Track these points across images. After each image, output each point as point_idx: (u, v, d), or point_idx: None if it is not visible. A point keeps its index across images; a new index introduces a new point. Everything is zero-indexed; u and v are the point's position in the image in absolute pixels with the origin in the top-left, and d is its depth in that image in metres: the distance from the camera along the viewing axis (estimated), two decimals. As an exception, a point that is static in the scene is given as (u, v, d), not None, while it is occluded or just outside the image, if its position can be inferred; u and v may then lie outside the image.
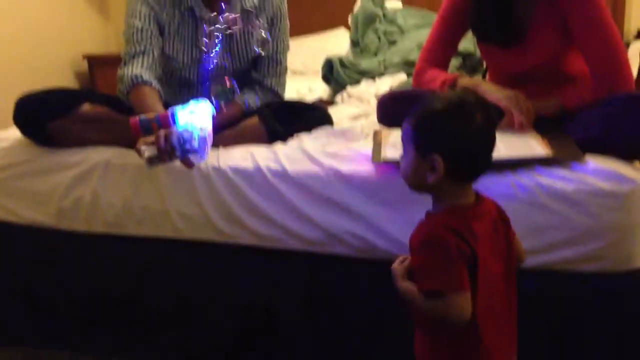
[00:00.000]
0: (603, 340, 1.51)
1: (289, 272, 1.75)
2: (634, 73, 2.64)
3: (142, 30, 1.88)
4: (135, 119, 1.61)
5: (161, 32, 1.92)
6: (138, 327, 1.89)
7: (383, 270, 1.64)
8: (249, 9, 1.96)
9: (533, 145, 1.59)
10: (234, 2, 1.92)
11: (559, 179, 1.50)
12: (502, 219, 1.21)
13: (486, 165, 1.17)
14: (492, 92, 1.75)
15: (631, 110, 1.56)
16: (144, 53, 1.87)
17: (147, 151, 1.53)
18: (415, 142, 1.16)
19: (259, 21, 1.96)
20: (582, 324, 1.52)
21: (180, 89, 2.02)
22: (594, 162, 1.51)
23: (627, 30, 3.02)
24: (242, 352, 1.82)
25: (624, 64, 1.73)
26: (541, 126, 1.69)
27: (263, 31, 1.95)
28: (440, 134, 1.12)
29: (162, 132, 1.52)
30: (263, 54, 1.97)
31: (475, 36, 1.93)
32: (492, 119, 1.15)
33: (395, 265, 1.21)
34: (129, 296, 1.87)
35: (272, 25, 2.02)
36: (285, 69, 2.10)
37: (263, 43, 1.95)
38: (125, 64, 1.88)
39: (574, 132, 1.63)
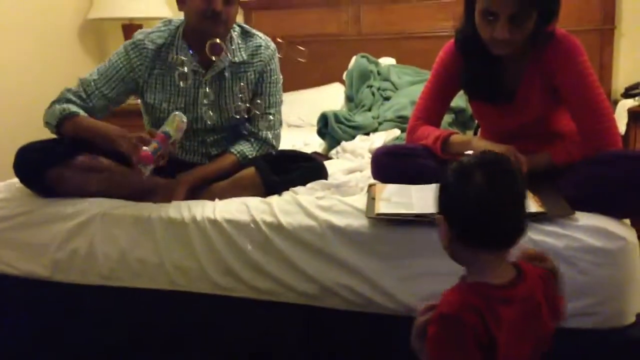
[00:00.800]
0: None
1: (285, 322, 1.75)
2: (622, 130, 2.73)
3: (96, 82, 1.98)
4: (147, 153, 1.75)
5: (137, 86, 2.02)
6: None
7: (379, 324, 1.66)
8: (238, 62, 2.02)
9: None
10: (223, 56, 1.97)
11: (550, 235, 1.53)
12: (546, 295, 1.14)
13: (505, 231, 1.09)
14: (485, 146, 1.79)
15: (619, 169, 1.60)
16: (83, 100, 1.97)
17: (146, 170, 1.77)
18: (440, 208, 1.15)
19: (245, 82, 2.03)
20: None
21: None
22: (584, 219, 1.54)
23: (614, 89, 3.10)
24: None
25: (611, 125, 1.77)
26: (532, 182, 1.73)
27: (244, 98, 2.01)
28: (442, 195, 1.13)
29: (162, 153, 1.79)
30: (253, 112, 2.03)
31: (467, 95, 1.99)
32: (498, 179, 1.08)
33: (419, 320, 1.17)
34: (125, 347, 1.87)
35: (262, 80, 2.07)
36: (280, 122, 2.15)
37: (252, 106, 2.00)
38: (61, 100, 1.96)
39: (564, 189, 1.67)
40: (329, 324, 1.72)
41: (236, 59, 2.02)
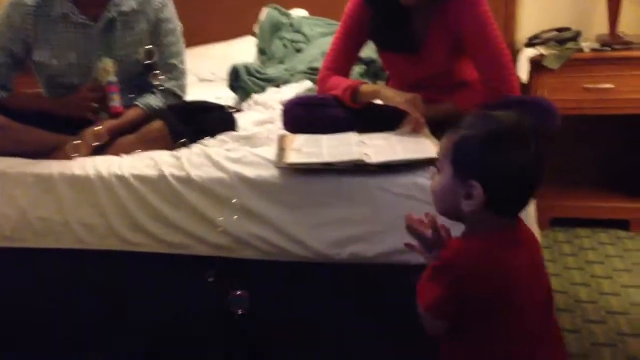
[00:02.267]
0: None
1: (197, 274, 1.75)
2: (524, 78, 2.84)
3: None
4: (116, 106, 1.90)
5: (26, 45, 1.95)
6: (39, 342, 1.84)
7: (293, 272, 1.70)
8: (127, 11, 1.96)
9: (428, 148, 1.67)
10: (110, 7, 1.93)
11: (452, 178, 1.59)
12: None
13: (531, 197, 1.08)
14: (393, 96, 1.84)
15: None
16: None
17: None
18: (454, 162, 1.07)
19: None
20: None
21: (67, 94, 1.98)
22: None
23: (518, 39, 3.21)
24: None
25: (511, 73, 1.88)
26: (436, 130, 1.79)
27: (138, 49, 1.97)
28: (486, 160, 1.03)
29: None
30: (153, 61, 1.98)
31: (375, 45, 2.02)
32: (538, 148, 1.04)
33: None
34: (34, 308, 1.82)
35: (157, 30, 2.02)
36: (184, 72, 2.11)
37: (149, 53, 1.96)
38: None
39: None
40: (243, 274, 1.73)
41: (125, 8, 1.96)
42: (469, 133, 1.06)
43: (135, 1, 1.98)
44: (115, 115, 1.91)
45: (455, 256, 1.06)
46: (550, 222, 2.94)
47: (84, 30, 1.93)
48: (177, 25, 2.09)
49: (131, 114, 1.96)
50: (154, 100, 2.00)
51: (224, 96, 2.53)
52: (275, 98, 2.30)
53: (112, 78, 1.91)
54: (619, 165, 3.00)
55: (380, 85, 2.02)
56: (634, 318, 2.11)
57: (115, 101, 1.92)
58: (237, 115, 2.10)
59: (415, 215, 1.22)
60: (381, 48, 2.01)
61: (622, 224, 2.86)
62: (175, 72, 2.04)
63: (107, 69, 1.91)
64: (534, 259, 1.10)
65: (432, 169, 1.15)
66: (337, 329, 1.72)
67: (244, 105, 2.40)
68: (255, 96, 2.39)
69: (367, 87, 1.93)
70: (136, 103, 1.98)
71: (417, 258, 1.60)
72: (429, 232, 1.19)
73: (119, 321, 1.80)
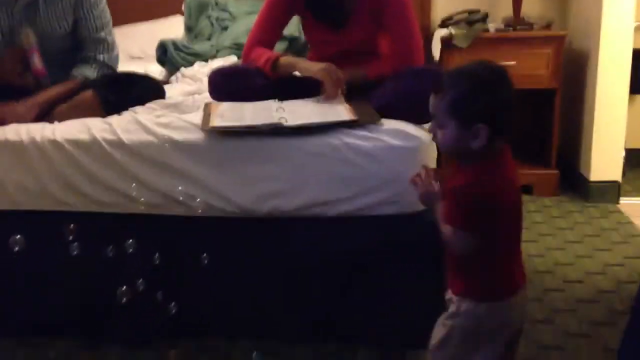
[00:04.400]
0: (398, 269, 1.81)
1: (131, 232, 1.87)
2: (437, 55, 3.07)
3: None
4: (37, 67, 1.99)
5: None
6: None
7: (219, 226, 1.84)
8: None
9: (340, 112, 1.85)
10: None
11: (361, 139, 1.77)
12: None
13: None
14: (309, 67, 2.01)
15: (417, 81, 1.88)
16: None
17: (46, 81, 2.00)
18: (457, 115, 1.22)
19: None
20: (382, 258, 1.82)
21: None
22: (388, 124, 1.80)
23: (433, 20, 3.44)
24: (83, 321, 1.92)
25: (419, 48, 2.09)
26: (348, 95, 1.97)
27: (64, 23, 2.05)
28: (483, 105, 1.21)
29: None
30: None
31: (307, 18, 2.15)
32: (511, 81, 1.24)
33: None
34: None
35: (81, 5, 2.09)
36: (113, 42, 2.19)
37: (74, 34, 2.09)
38: None
39: (373, 100, 1.92)
40: (174, 230, 1.87)
41: None
42: (458, 89, 1.23)
43: None
44: (38, 76, 2.01)
45: (474, 179, 1.24)
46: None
47: (7, 8, 1.98)
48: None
49: (69, 84, 2.04)
50: (89, 71, 2.09)
51: (153, 71, 2.63)
52: (202, 71, 2.42)
53: (33, 42, 2.01)
54: (521, 135, 3.28)
55: (296, 58, 2.17)
56: (527, 266, 2.36)
57: (37, 64, 2.01)
58: (165, 87, 2.22)
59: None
60: (315, 19, 2.14)
61: (526, 189, 3.14)
62: (105, 44, 2.11)
63: (28, 34, 2.00)
64: (516, 170, 1.30)
65: (431, 127, 1.31)
66: (255, 279, 1.87)
67: (173, 78, 2.51)
68: (183, 69, 2.50)
69: (286, 59, 2.08)
70: (73, 73, 2.07)
71: (331, 210, 1.80)
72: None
73: (56, 278, 1.91)
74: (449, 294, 1.35)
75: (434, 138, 1.31)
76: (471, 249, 1.26)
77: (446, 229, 1.28)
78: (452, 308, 1.32)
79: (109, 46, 2.13)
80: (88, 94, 1.97)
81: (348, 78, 1.98)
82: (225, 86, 2.04)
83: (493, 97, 1.21)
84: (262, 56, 2.08)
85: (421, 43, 2.12)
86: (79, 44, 2.14)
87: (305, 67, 2.02)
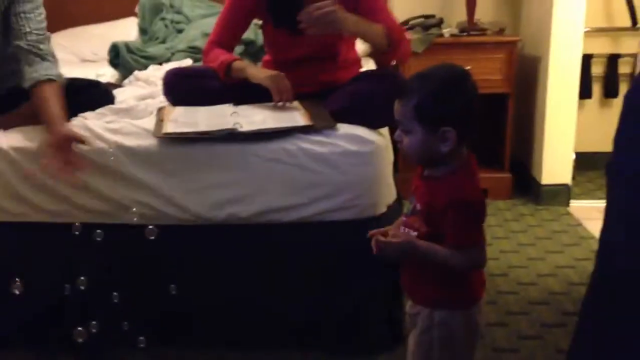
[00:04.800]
0: (355, 275, 1.81)
1: (82, 241, 1.82)
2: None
3: None
4: None
5: None
6: None
7: (172, 233, 1.81)
8: None
9: (295, 117, 1.85)
10: None
11: (317, 144, 1.77)
12: None
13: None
14: (257, 73, 1.97)
15: (373, 84, 1.88)
16: None
17: None
18: (420, 120, 1.20)
19: None
20: (337, 263, 1.82)
21: None
22: (343, 129, 1.79)
23: (389, 24, 3.46)
24: (37, 333, 1.86)
25: (405, 38, 2.05)
26: (304, 101, 1.96)
27: None
28: (448, 108, 1.19)
29: None
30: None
31: (271, 21, 2.10)
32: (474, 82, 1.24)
33: (388, 239, 1.27)
34: None
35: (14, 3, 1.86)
36: (50, 38, 1.95)
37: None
38: None
39: (329, 105, 1.91)
40: (125, 238, 1.83)
41: None
42: (423, 93, 1.20)
43: None
44: None
45: (468, 191, 1.22)
46: (418, 192, 3.22)
47: None
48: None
49: (54, 90, 1.83)
50: (54, 69, 1.87)
51: (106, 73, 2.58)
52: (156, 75, 2.38)
53: None
54: (476, 139, 3.32)
55: (248, 63, 2.13)
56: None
57: None
58: (118, 91, 2.17)
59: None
60: (275, 25, 2.08)
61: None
62: (47, 40, 1.91)
63: None
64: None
65: (397, 133, 1.26)
66: (218, 285, 1.86)
67: (126, 81, 2.46)
68: (137, 73, 2.46)
69: (238, 64, 2.03)
70: (48, 77, 1.83)
71: (288, 216, 1.79)
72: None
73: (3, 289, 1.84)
74: (413, 308, 1.32)
75: (400, 145, 1.28)
76: (483, 264, 1.26)
77: (454, 254, 1.21)
78: (423, 322, 1.29)
79: (49, 42, 1.92)
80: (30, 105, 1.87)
81: (368, 37, 1.94)
82: (179, 87, 2.01)
83: (458, 99, 1.21)
84: (219, 58, 2.04)
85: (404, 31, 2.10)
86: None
87: (253, 73, 1.98)
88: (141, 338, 1.81)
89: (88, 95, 1.96)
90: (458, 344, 1.29)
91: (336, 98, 1.93)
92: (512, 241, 2.67)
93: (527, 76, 3.25)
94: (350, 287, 1.83)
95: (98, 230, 1.75)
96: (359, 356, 1.82)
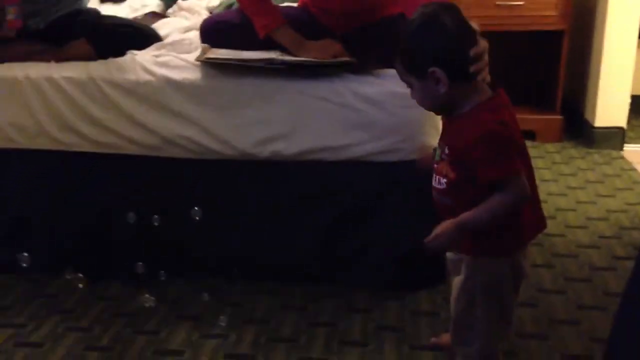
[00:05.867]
0: (399, 215, 1.79)
1: (129, 173, 1.85)
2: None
3: None
4: (13, 21, 1.81)
5: None
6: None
7: (219, 169, 1.82)
8: None
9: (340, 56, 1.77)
10: None
11: (365, 84, 1.73)
12: None
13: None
14: (303, 48, 1.79)
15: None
16: None
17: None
18: (410, 70, 1.20)
19: None
20: (378, 204, 1.80)
21: None
22: (392, 71, 1.73)
23: None
24: (85, 257, 1.92)
25: None
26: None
27: None
28: (429, 47, 1.16)
29: None
30: None
31: None
32: (459, 16, 1.18)
33: (432, 234, 1.22)
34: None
35: None
36: None
37: None
38: None
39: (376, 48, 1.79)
40: (171, 173, 1.85)
41: None
42: (402, 44, 1.20)
43: None
44: (12, 29, 1.85)
45: (491, 124, 1.16)
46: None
47: None
48: None
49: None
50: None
51: (150, 3, 2.55)
52: (200, 4, 2.35)
53: None
54: (525, 79, 3.21)
55: (296, 36, 1.81)
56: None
57: (11, 14, 1.85)
58: (162, 22, 2.14)
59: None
60: None
61: (530, 135, 3.11)
62: None
63: None
64: (515, 116, 1.25)
65: (409, 93, 1.25)
66: (257, 222, 1.86)
67: (170, 11, 2.44)
68: (180, 2, 2.42)
69: (285, 34, 1.80)
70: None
71: (332, 156, 1.77)
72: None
73: (52, 217, 1.90)
74: (456, 255, 1.32)
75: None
76: (528, 192, 1.19)
77: (494, 199, 1.17)
78: (467, 269, 1.28)
79: None
80: (81, 42, 1.87)
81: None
82: (217, 40, 1.85)
83: (434, 38, 1.16)
84: (260, 12, 1.81)
85: None
86: None
87: (298, 49, 1.78)
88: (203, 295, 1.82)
89: (135, 38, 1.93)
90: (502, 288, 1.28)
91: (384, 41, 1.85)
92: (561, 184, 2.60)
93: (583, 12, 3.09)
94: (390, 227, 1.81)
95: (155, 216, 1.80)
96: (400, 293, 1.82)
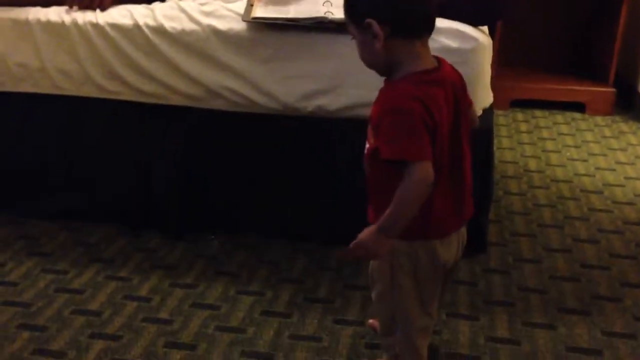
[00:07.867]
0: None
1: (169, 127, 1.85)
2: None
3: None
4: None
5: None
6: (18, 183, 1.96)
7: (262, 123, 1.79)
8: None
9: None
10: None
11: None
12: (461, 85, 1.17)
13: (428, 15, 1.10)
14: None
15: None
16: None
17: None
18: (350, 16, 1.11)
19: None
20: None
21: None
22: (443, 24, 1.67)
23: None
24: (125, 207, 1.93)
25: None
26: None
27: None
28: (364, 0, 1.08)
29: None
30: None
31: None
32: None
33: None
34: (9, 151, 1.92)
35: None
36: None
37: None
38: None
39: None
40: (214, 124, 1.83)
41: None
42: None
43: None
44: None
45: (404, 99, 1.06)
46: (510, 103, 3.07)
47: None
48: None
49: None
50: None
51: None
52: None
53: None
54: (579, 50, 3.10)
55: None
56: (575, 185, 2.30)
57: None
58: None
59: None
60: None
61: (580, 107, 3.01)
62: None
63: None
64: (448, 95, 1.11)
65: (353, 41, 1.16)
66: (302, 180, 1.84)
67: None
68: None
69: None
70: None
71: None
72: None
73: (93, 167, 1.91)
74: None
75: None
76: (430, 180, 1.05)
77: (398, 190, 1.05)
78: None
79: None
80: None
81: None
82: None
83: None
84: None
85: None
86: None
87: None
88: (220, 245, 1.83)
89: None
90: (418, 273, 1.18)
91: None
92: (610, 159, 2.52)
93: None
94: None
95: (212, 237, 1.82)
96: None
